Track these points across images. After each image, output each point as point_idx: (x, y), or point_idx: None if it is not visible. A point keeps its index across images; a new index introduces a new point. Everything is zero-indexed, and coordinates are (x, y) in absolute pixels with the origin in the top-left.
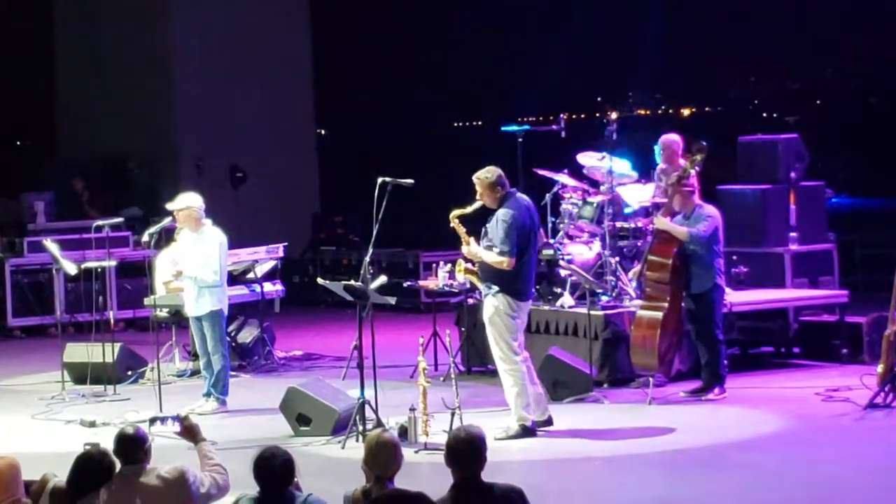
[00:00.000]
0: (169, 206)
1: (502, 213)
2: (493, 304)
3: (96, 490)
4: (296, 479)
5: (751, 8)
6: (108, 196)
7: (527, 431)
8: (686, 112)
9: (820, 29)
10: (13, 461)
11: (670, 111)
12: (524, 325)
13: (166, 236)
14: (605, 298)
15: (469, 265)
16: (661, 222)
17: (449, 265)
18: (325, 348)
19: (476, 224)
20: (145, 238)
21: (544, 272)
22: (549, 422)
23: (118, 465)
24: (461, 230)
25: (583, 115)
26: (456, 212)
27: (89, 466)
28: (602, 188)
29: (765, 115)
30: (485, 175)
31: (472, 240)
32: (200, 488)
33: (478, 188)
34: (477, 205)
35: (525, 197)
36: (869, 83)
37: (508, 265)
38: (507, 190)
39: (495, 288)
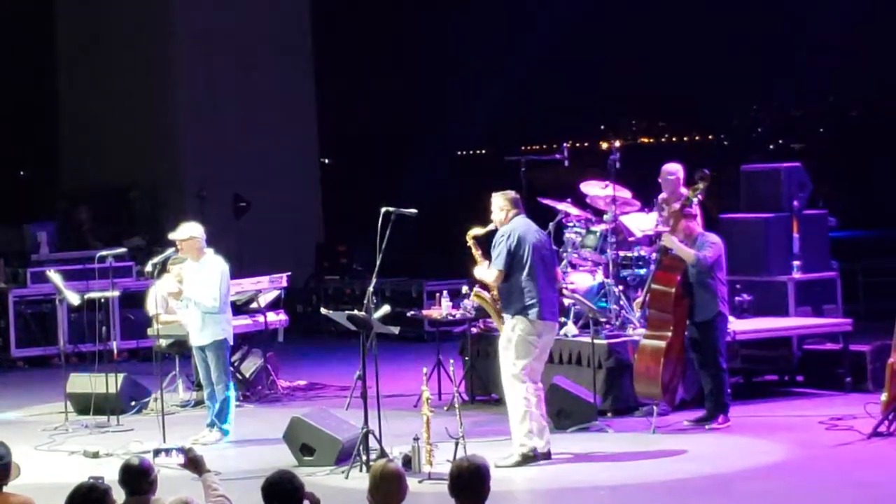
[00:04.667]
0: (171, 235)
1: (504, 229)
2: (510, 325)
3: None
4: None
5: (754, 35)
6: (110, 226)
7: (527, 459)
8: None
9: (823, 56)
10: (29, 500)
11: (674, 139)
12: (545, 353)
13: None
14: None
15: (480, 289)
16: (669, 240)
17: (468, 301)
18: (329, 378)
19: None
20: (148, 268)
21: None
22: (547, 455)
23: (120, 497)
24: (476, 251)
25: (586, 144)
26: (472, 231)
27: (78, 500)
28: (605, 217)
29: (771, 146)
30: (501, 195)
31: (485, 262)
32: None
33: (493, 207)
34: (492, 226)
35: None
36: (871, 110)
37: (495, 279)
38: (518, 212)
39: (512, 310)
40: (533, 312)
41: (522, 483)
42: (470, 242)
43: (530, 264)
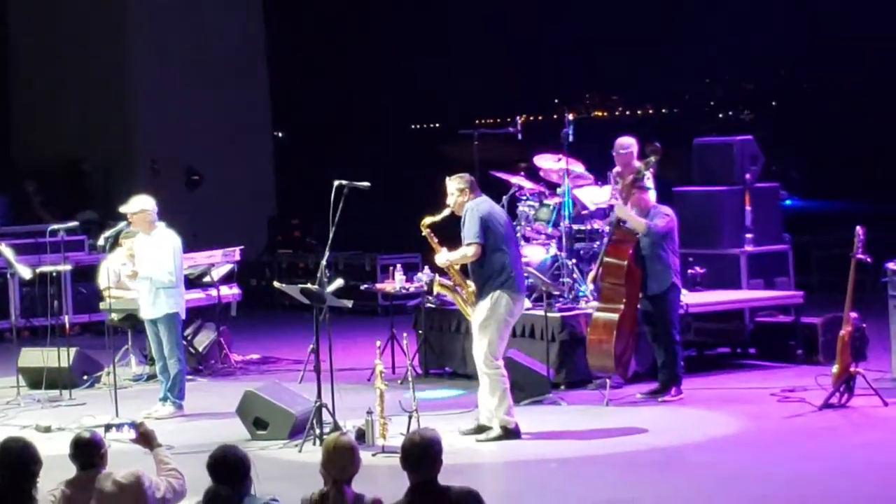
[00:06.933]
0: (122, 208)
1: (470, 205)
2: (489, 302)
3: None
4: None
5: (703, 7)
6: (63, 199)
7: (510, 433)
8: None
9: (774, 28)
10: None
11: (627, 112)
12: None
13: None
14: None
15: (443, 279)
16: (621, 209)
17: (422, 275)
18: (282, 352)
19: (447, 231)
20: (101, 242)
21: None
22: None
23: (71, 471)
24: (433, 239)
25: (540, 117)
26: (427, 220)
27: (4, 455)
28: (558, 190)
29: (720, 115)
30: (457, 178)
31: (444, 249)
32: (156, 493)
33: (448, 192)
34: (447, 211)
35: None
36: (819, 84)
37: (474, 254)
38: (477, 195)
39: (492, 286)
40: (512, 285)
41: (474, 456)
42: (425, 232)
43: (504, 239)
